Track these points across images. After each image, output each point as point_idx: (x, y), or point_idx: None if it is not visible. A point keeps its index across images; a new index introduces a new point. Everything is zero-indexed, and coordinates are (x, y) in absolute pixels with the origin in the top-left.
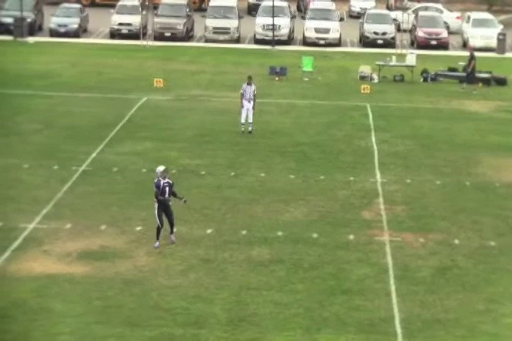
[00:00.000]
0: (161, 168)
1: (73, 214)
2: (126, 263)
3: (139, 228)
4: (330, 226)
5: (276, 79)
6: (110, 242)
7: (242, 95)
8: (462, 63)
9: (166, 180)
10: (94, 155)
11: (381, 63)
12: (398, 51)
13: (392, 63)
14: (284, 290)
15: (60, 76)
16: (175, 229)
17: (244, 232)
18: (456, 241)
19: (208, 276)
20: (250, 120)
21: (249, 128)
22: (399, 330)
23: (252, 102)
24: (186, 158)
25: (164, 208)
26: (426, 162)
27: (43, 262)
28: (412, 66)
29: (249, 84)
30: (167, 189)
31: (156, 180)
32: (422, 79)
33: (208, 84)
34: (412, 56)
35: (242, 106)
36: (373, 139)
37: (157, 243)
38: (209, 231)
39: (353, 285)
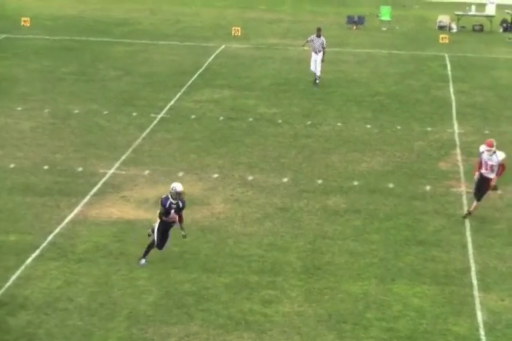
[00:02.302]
0: (178, 188)
1: (151, 160)
2: (203, 210)
3: (215, 175)
4: (406, 177)
5: (354, 28)
6: (187, 189)
7: (311, 46)
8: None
9: (176, 201)
10: (172, 102)
11: (460, 13)
12: (477, 0)
13: (471, 13)
14: (359, 239)
15: (140, 23)
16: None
17: (320, 181)
18: None
19: (283, 225)
20: (318, 73)
21: (317, 80)
22: (474, 282)
23: (320, 54)
24: (263, 106)
25: (163, 230)
26: (505, 113)
27: (122, 208)
28: (491, 16)
29: (318, 36)
30: (172, 211)
31: (163, 197)
32: (501, 29)
33: (285, 32)
34: (491, 5)
35: (313, 56)
36: (451, 90)
37: (143, 261)
38: (285, 179)
39: (428, 237)
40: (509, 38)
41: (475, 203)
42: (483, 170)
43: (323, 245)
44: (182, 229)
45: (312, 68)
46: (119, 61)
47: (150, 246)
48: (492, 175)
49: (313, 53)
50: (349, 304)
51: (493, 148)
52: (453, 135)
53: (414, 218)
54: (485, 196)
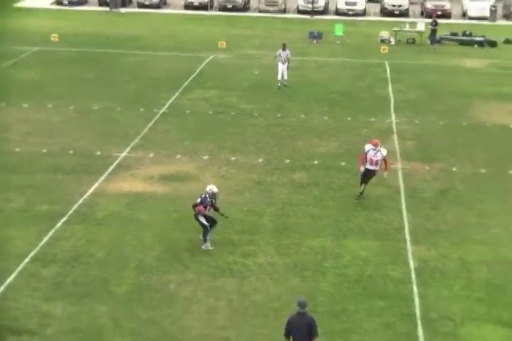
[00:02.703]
0: (214, 190)
1: (155, 145)
2: (196, 184)
3: (206, 157)
4: (355, 157)
5: (314, 42)
6: (183, 168)
7: (276, 58)
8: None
9: (211, 199)
10: (171, 100)
11: (397, 29)
12: (410, 20)
13: (405, 29)
14: (318, 205)
15: (145, 39)
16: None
17: (287, 161)
18: (454, 169)
19: (259, 195)
20: (285, 77)
21: (285, 83)
22: (408, 238)
23: (286, 64)
24: (243, 103)
25: (205, 217)
26: (431, 107)
27: (132, 183)
28: (421, 31)
29: (283, 49)
30: (208, 207)
31: (203, 196)
32: (429, 42)
33: (260, 45)
34: (421, 23)
35: (279, 66)
36: (390, 89)
37: (207, 244)
38: (260, 160)
39: (372, 203)
40: (434, 48)
41: (363, 186)
42: (367, 165)
43: (290, 210)
44: (221, 214)
45: (279, 77)
46: (128, 68)
47: (206, 232)
48: (376, 168)
49: (279, 64)
50: (310, 256)
51: (378, 147)
52: (391, 124)
53: None
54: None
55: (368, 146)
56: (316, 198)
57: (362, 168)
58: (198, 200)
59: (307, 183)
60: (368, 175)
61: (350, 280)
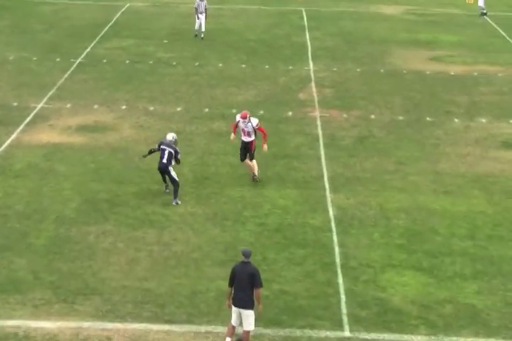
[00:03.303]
0: (175, 136)
1: (72, 96)
2: (114, 134)
3: (123, 107)
4: (273, 105)
5: None
6: (101, 118)
7: (196, 9)
8: None
9: (166, 147)
10: (88, 49)
11: None
12: None
13: None
14: (236, 154)
15: None
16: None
17: (206, 110)
18: (372, 116)
19: (179, 144)
20: (203, 29)
21: (202, 35)
22: (327, 186)
23: (204, 14)
24: (161, 52)
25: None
26: (349, 54)
27: (49, 134)
28: None
29: (201, 0)
30: (165, 153)
31: (173, 145)
32: None
33: None
34: None
35: (198, 18)
36: (307, 36)
37: (177, 200)
38: (179, 109)
39: (291, 151)
40: None
41: (252, 163)
42: (242, 137)
43: (209, 160)
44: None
45: (196, 27)
46: (45, 17)
47: (178, 187)
48: (250, 139)
49: (199, 15)
50: (230, 205)
51: (247, 119)
52: (309, 72)
53: (279, 137)
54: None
55: (237, 117)
56: (235, 147)
57: (232, 136)
58: (172, 151)
59: (226, 132)
60: (246, 148)
61: (270, 229)
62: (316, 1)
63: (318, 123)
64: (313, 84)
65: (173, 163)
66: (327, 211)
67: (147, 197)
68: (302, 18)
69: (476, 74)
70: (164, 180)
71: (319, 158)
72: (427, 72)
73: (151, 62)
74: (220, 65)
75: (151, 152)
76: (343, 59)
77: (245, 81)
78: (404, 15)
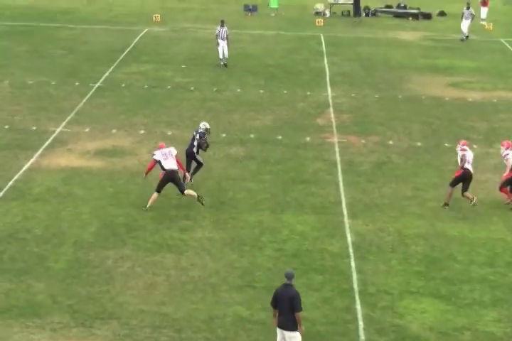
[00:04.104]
0: (207, 125)
1: (91, 120)
2: (132, 159)
3: (142, 131)
4: (291, 131)
5: (249, 14)
6: (119, 142)
7: (217, 36)
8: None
9: (200, 136)
10: (107, 74)
11: (332, 1)
12: None
13: (341, 1)
14: (255, 180)
15: (80, 12)
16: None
17: (224, 135)
18: (391, 142)
19: (208, 135)
20: (226, 55)
21: (225, 62)
22: (345, 211)
23: (226, 40)
24: (179, 76)
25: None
26: (367, 80)
27: (68, 158)
28: None
29: (222, 26)
30: (195, 142)
31: (201, 131)
32: (364, 14)
33: (196, 18)
34: None
35: (218, 44)
36: (325, 62)
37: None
38: None
39: (309, 177)
40: (354, 21)
41: (189, 192)
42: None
43: (227, 185)
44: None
45: (221, 54)
46: (63, 42)
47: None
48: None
49: (220, 41)
50: (247, 230)
51: (165, 149)
52: (327, 97)
53: (298, 162)
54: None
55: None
56: (252, 172)
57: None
58: (197, 136)
59: (244, 157)
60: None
61: (287, 255)
62: (334, 27)
63: (337, 148)
64: (331, 109)
65: (196, 149)
66: (345, 237)
67: (165, 221)
68: (320, 43)
69: (495, 100)
70: (188, 167)
71: (337, 184)
72: (446, 98)
73: (169, 87)
74: (238, 90)
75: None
76: (361, 85)
77: (263, 106)
78: (422, 41)
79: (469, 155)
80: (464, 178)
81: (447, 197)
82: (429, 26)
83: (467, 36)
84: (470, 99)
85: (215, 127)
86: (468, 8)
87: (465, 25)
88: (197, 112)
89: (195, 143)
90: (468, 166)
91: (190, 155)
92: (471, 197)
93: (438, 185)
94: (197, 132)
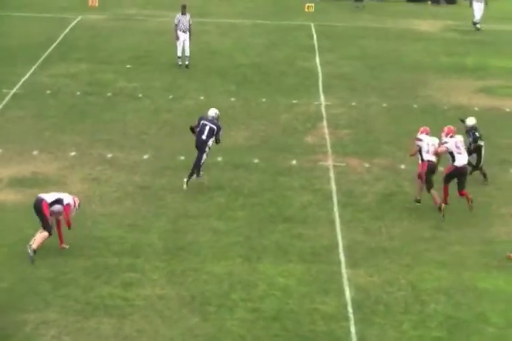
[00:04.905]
0: (217, 111)
1: (4, 139)
2: (59, 190)
3: (72, 153)
4: (271, 152)
5: None
6: (43, 168)
7: (177, 26)
8: None
9: (208, 122)
10: (26, 77)
11: None
12: None
13: None
14: (222, 217)
15: None
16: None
17: (182, 158)
18: (402, 166)
19: (144, 204)
20: (187, 53)
21: (186, 62)
22: (342, 259)
23: (188, 33)
24: (122, 80)
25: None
26: (372, 84)
27: None
28: None
29: (183, 13)
30: (206, 129)
31: (216, 121)
32: None
33: (145, 2)
34: None
35: (178, 38)
36: (317, 60)
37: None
38: (146, 156)
39: (295, 213)
40: (356, 7)
41: None
42: None
43: (185, 224)
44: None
45: (179, 51)
46: None
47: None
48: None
49: (180, 33)
50: (213, 285)
51: None
52: (319, 107)
53: (279, 194)
54: None
55: None
56: (220, 207)
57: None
58: (214, 127)
59: (208, 187)
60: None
61: (266, 317)
62: (329, 14)
63: (332, 175)
64: (325, 123)
65: (211, 141)
66: (342, 293)
67: (102, 274)
68: (311, 35)
69: None
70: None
71: (332, 222)
72: (475, 108)
73: (109, 95)
74: (202, 97)
75: (192, 129)
76: (364, 90)
77: (235, 119)
78: (445, 32)
79: (428, 143)
80: (432, 172)
81: (434, 198)
82: (454, 13)
83: (476, 24)
84: (507, 110)
85: (170, 148)
86: None
87: (477, 8)
88: (147, 127)
89: (207, 133)
90: (430, 157)
91: (201, 147)
92: (437, 200)
93: (464, 223)
94: (206, 120)
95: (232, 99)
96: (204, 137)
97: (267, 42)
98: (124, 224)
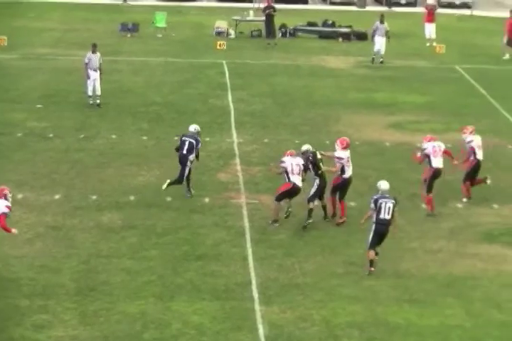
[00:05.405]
0: (198, 128)
1: None
2: None
3: None
4: (183, 190)
5: (128, 35)
6: None
7: (87, 65)
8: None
9: (187, 138)
10: None
11: (238, 18)
12: (256, 5)
13: (249, 18)
14: (135, 257)
15: None
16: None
17: (94, 197)
18: (315, 202)
19: (55, 244)
20: (98, 92)
21: (98, 101)
22: (256, 295)
23: (98, 71)
24: (32, 120)
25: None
26: (284, 121)
27: None
28: None
29: (94, 52)
30: (186, 144)
31: (196, 137)
32: (280, 35)
33: (56, 42)
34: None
35: (88, 77)
36: (230, 98)
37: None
38: (57, 196)
39: (208, 250)
40: (268, 44)
41: None
42: None
43: (98, 264)
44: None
45: (90, 91)
46: None
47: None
48: None
49: (91, 72)
50: (126, 325)
51: None
52: (232, 144)
53: (193, 232)
54: None
55: None
56: (132, 247)
57: None
58: (193, 142)
59: (121, 227)
60: None
61: None
62: (241, 52)
63: (245, 212)
64: (237, 160)
65: (192, 156)
66: (256, 329)
67: (13, 316)
68: (223, 73)
69: (449, 145)
70: (183, 173)
71: (246, 259)
72: (386, 144)
73: (19, 135)
74: (114, 136)
75: (177, 149)
76: (276, 127)
77: (147, 158)
78: (355, 68)
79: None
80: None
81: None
82: (365, 49)
83: (378, 58)
84: (418, 145)
85: (82, 187)
86: (382, 21)
87: (378, 43)
88: (57, 167)
89: (187, 147)
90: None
91: (183, 161)
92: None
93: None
94: (186, 136)
95: (144, 137)
96: (184, 152)
97: (179, 80)
98: (35, 265)
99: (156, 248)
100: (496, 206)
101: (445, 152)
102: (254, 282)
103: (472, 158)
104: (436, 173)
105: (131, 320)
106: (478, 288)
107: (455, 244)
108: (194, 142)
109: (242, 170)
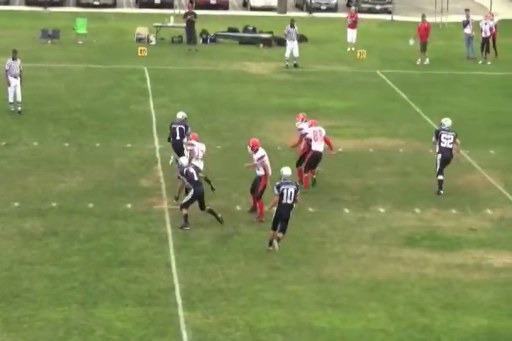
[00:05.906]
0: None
1: None
2: None
3: None
4: (106, 196)
5: (49, 42)
6: None
7: (7, 71)
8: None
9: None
10: None
11: (159, 24)
12: (176, 11)
13: (170, 24)
14: (58, 263)
15: None
16: None
17: (16, 204)
18: (238, 208)
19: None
20: (19, 98)
21: (19, 108)
22: (179, 301)
23: (19, 78)
24: None
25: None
26: (205, 126)
27: None
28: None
29: (14, 58)
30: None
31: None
32: (201, 41)
33: None
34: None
35: (9, 84)
36: (151, 104)
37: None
38: None
39: (130, 257)
40: (189, 49)
41: None
42: None
43: (21, 271)
44: None
45: (11, 98)
46: None
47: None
48: None
49: (11, 79)
50: (48, 331)
51: None
52: (154, 151)
53: (115, 238)
54: None
55: None
56: (55, 253)
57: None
58: (183, 127)
59: (43, 233)
60: None
61: None
62: (163, 58)
63: (167, 218)
64: (159, 166)
65: (185, 139)
66: (180, 335)
67: None
68: (145, 79)
69: (371, 150)
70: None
71: (169, 265)
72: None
73: None
74: (35, 143)
75: (169, 139)
76: (197, 133)
77: (69, 164)
78: (277, 74)
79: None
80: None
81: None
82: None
83: (295, 63)
84: (340, 149)
85: (4, 194)
86: (292, 25)
87: (289, 47)
88: None
89: (179, 133)
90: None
91: (179, 147)
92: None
93: (300, 263)
94: (175, 123)
95: (66, 144)
96: (178, 137)
97: (101, 87)
98: None
99: (78, 254)
100: (417, 210)
101: (324, 139)
102: (177, 288)
103: (308, 147)
104: (316, 156)
105: (54, 327)
106: (400, 292)
107: (378, 249)
108: (184, 128)
109: (164, 176)
